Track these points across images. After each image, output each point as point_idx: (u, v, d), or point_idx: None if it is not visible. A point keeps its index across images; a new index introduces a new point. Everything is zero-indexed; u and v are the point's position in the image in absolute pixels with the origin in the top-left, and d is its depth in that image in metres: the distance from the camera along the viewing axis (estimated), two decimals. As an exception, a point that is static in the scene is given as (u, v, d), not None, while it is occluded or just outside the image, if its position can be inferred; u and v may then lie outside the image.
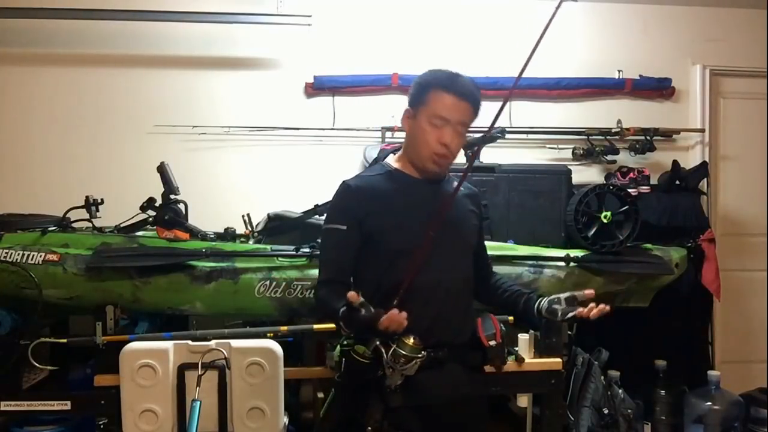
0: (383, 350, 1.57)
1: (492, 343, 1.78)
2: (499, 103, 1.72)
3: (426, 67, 1.78)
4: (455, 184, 1.81)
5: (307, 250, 2.28)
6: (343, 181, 1.80)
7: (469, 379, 1.78)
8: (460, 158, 1.92)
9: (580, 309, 1.69)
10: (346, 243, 1.74)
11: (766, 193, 3.36)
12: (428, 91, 1.72)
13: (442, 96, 1.70)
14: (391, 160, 1.85)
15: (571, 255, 2.51)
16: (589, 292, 1.74)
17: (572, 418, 2.47)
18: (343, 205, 1.78)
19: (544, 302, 1.77)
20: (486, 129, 1.89)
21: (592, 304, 1.69)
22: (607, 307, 1.68)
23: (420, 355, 1.58)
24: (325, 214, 1.85)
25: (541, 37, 1.63)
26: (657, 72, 3.35)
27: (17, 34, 2.98)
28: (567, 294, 1.75)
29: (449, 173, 1.87)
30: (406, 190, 1.78)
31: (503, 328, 1.88)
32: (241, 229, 2.54)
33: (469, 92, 1.72)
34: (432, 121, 1.71)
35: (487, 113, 1.78)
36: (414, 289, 1.63)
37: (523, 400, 2.45)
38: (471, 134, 2.64)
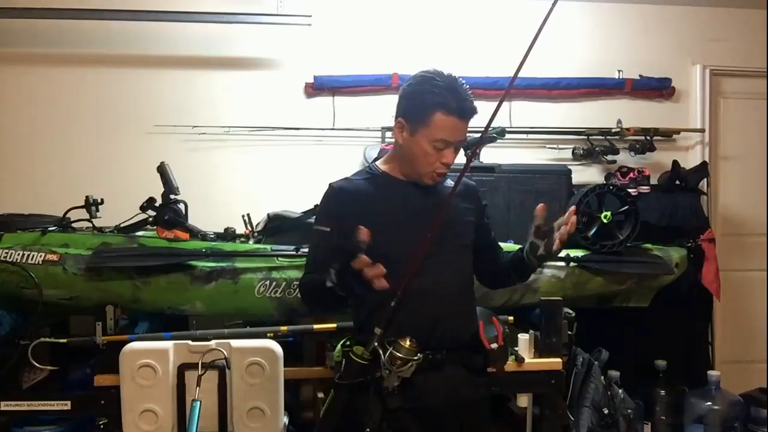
0: (381, 351, 1.57)
1: (494, 346, 1.77)
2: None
3: (426, 68, 1.74)
4: (448, 182, 1.80)
5: (307, 250, 2.27)
6: (329, 184, 1.81)
7: (469, 382, 1.76)
8: (458, 158, 1.92)
9: (556, 235, 1.66)
10: (328, 244, 1.74)
11: (766, 193, 3.36)
12: (431, 112, 1.64)
13: (445, 119, 1.64)
14: (380, 164, 1.83)
15: (571, 255, 2.51)
16: (540, 207, 1.69)
17: (572, 418, 2.47)
18: (326, 207, 1.79)
19: (526, 247, 1.73)
20: (484, 129, 1.88)
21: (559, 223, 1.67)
22: (573, 214, 1.67)
23: (416, 358, 1.58)
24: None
25: (536, 38, 1.61)
26: (657, 72, 3.35)
27: (17, 34, 2.98)
28: (532, 229, 1.70)
29: None
30: (390, 193, 1.76)
31: (506, 330, 1.86)
32: (241, 229, 2.54)
33: (471, 110, 1.68)
34: (435, 145, 1.67)
35: (487, 113, 1.77)
36: (410, 293, 1.62)
37: (523, 400, 2.44)
38: (470, 134, 2.66)
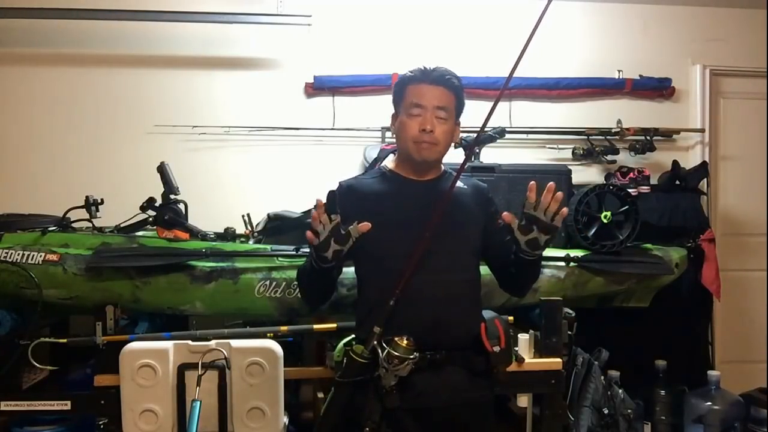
0: (379, 351, 1.58)
1: (496, 348, 1.76)
2: (501, 104, 1.72)
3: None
4: (458, 184, 1.80)
5: (307, 250, 2.27)
6: (339, 182, 1.83)
7: (470, 384, 1.75)
8: (459, 158, 1.92)
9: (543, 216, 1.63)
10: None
11: (766, 193, 3.36)
12: (404, 87, 1.78)
13: (415, 86, 1.75)
14: (389, 162, 1.86)
15: (571, 255, 2.51)
16: (530, 184, 1.66)
17: (572, 418, 2.47)
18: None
19: (522, 243, 1.65)
20: (486, 129, 1.89)
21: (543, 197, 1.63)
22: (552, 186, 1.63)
23: (412, 357, 1.58)
24: None
25: (532, 35, 1.63)
26: (657, 72, 3.35)
27: (17, 34, 2.98)
28: (524, 220, 1.66)
29: (447, 169, 1.86)
30: (398, 190, 1.78)
31: (510, 333, 1.85)
32: (241, 229, 2.54)
33: (441, 77, 1.75)
34: (410, 112, 1.74)
35: (486, 113, 1.77)
36: (411, 290, 1.63)
37: (523, 400, 2.45)
38: (470, 134, 2.66)
